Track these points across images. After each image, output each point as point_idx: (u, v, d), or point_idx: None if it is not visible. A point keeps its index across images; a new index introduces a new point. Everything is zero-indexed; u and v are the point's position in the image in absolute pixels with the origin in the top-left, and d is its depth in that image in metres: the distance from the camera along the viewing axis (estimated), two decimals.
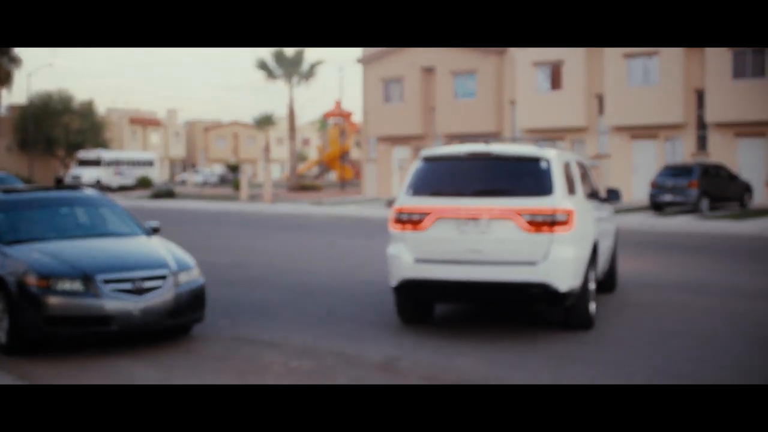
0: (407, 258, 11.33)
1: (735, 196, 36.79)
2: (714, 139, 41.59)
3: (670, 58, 41.94)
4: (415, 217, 11.28)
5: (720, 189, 35.76)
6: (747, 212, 34.51)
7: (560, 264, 10.89)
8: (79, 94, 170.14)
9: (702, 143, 42.53)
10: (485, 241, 11.02)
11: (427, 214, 11.22)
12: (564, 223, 10.95)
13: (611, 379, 8.97)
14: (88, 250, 10.93)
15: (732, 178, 36.85)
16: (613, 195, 14.35)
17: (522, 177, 11.35)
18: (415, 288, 11.39)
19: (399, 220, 11.42)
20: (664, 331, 11.61)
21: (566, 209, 11.03)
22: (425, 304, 12.21)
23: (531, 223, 10.90)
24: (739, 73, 40.01)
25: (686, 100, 42.24)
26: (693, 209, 34.45)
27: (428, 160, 11.84)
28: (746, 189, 37.32)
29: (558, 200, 11.04)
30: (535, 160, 11.40)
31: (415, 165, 11.91)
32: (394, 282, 11.51)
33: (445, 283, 11.22)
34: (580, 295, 11.36)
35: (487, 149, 11.68)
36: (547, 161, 11.36)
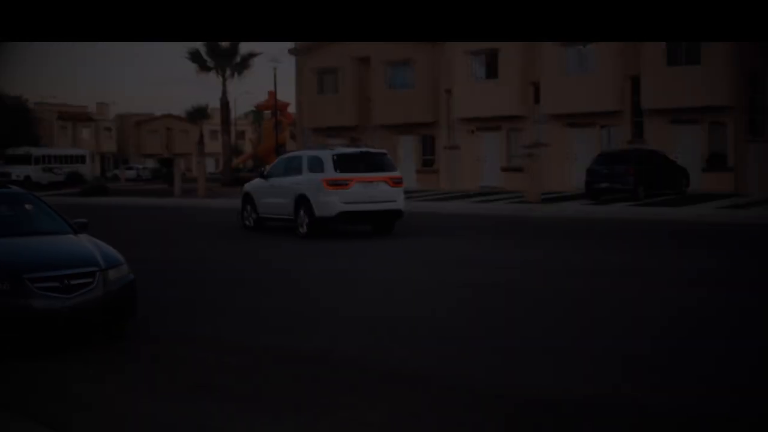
0: (339, 202, 22.35)
1: (672, 183, 36.87)
2: (650, 125, 41.81)
3: (605, 46, 41.96)
4: (342, 182, 22.38)
5: (657, 175, 35.85)
6: (684, 198, 34.67)
7: (402, 201, 23.54)
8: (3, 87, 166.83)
9: (638, 130, 42.69)
10: (376, 192, 22.80)
11: (349, 180, 22.45)
12: (402, 183, 23.55)
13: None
14: (14, 248, 10.48)
15: (668, 164, 36.98)
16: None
17: (383, 162, 23.66)
18: (344, 215, 22.57)
19: (333, 184, 22.31)
20: (597, 318, 11.53)
21: (401, 176, 23.82)
22: (337, 226, 23.31)
23: (393, 183, 23.11)
24: (673, 59, 40.21)
25: (622, 88, 42.45)
26: (630, 196, 34.47)
27: (340, 156, 22.88)
28: (683, 175, 37.47)
29: (399, 172, 23.96)
30: (385, 154, 24.34)
31: (331, 158, 22.67)
32: (332, 213, 22.40)
33: (359, 211, 22.75)
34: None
35: (368, 149, 24.73)
36: (388, 154, 24.70)
